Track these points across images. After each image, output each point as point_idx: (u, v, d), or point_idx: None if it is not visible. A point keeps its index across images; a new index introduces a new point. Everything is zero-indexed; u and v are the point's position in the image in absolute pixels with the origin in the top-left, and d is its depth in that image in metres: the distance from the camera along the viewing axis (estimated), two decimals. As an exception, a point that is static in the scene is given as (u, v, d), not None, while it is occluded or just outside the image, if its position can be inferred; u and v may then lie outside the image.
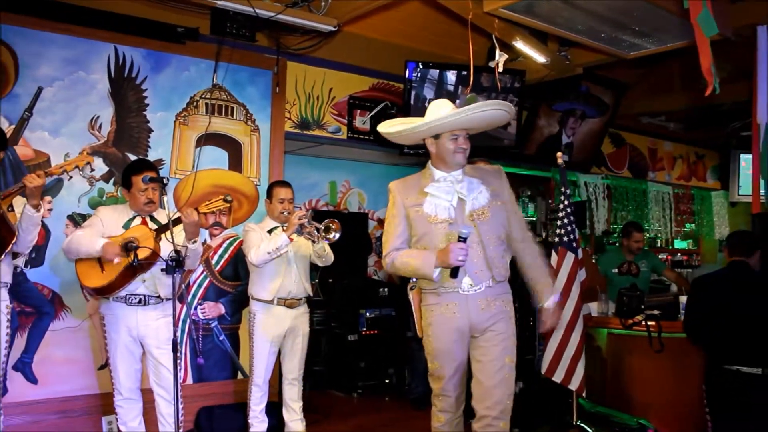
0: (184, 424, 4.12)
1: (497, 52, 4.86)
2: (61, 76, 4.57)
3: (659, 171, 9.47)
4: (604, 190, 8.75)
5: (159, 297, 3.89)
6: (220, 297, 5.14)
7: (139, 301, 3.85)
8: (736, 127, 8.64)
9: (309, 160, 7.18)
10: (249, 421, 4.41)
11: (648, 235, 9.21)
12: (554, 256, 4.73)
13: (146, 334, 3.87)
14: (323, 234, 4.17)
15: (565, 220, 4.75)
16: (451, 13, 5.19)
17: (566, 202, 4.79)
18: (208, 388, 5.02)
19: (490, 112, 3.16)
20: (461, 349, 3.23)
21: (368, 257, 7.55)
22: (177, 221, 3.71)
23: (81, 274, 3.77)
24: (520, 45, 5.58)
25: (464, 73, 5.96)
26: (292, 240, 4.16)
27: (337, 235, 4.17)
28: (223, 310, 5.14)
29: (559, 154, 4.75)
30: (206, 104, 5.16)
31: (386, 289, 6.70)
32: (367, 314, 6.48)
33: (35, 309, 4.42)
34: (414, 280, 3.43)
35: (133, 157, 4.72)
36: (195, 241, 3.82)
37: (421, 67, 5.93)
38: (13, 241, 3.38)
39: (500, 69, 4.93)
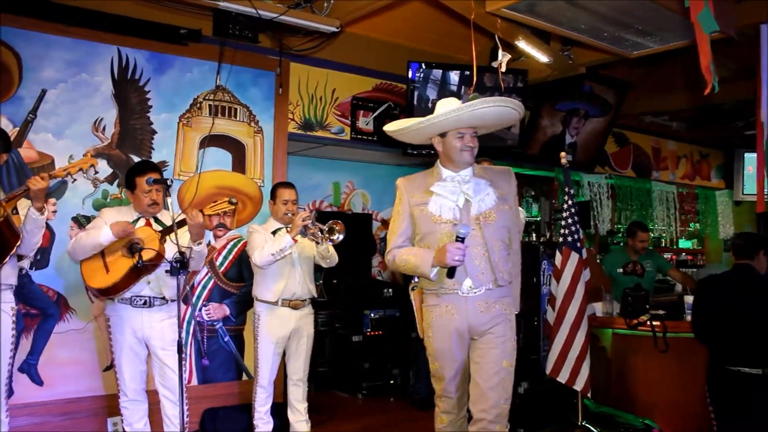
0: (189, 425, 4.11)
1: (500, 52, 4.86)
2: (65, 78, 4.58)
3: (663, 170, 9.45)
4: (608, 189, 8.74)
5: (164, 298, 3.90)
6: (225, 298, 5.14)
7: (144, 303, 3.85)
8: (740, 126, 8.62)
9: (312, 161, 7.18)
10: (254, 422, 4.42)
11: (652, 234, 9.20)
12: (558, 257, 4.72)
13: (151, 336, 3.87)
14: (327, 235, 4.17)
15: (569, 220, 4.74)
16: (454, 13, 5.19)
17: (570, 202, 4.78)
18: (213, 389, 5.03)
19: (494, 108, 3.12)
20: (461, 351, 3.22)
21: (372, 258, 7.54)
22: (181, 223, 3.72)
23: (86, 275, 3.77)
24: (522, 45, 5.57)
25: (467, 73, 5.96)
26: (296, 241, 4.16)
27: (341, 237, 4.17)
28: (227, 312, 5.14)
29: (562, 153, 4.75)
30: (209, 106, 5.16)
31: (390, 290, 6.69)
32: (372, 315, 6.48)
33: (40, 311, 4.43)
34: (416, 280, 3.42)
35: (136, 159, 4.73)
36: (200, 243, 3.82)
37: (423, 67, 5.93)
38: (18, 244, 3.39)
39: (503, 69, 4.93)
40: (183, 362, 3.38)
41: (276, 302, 4.32)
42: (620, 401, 5.03)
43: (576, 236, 4.72)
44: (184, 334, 3.82)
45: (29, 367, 4.37)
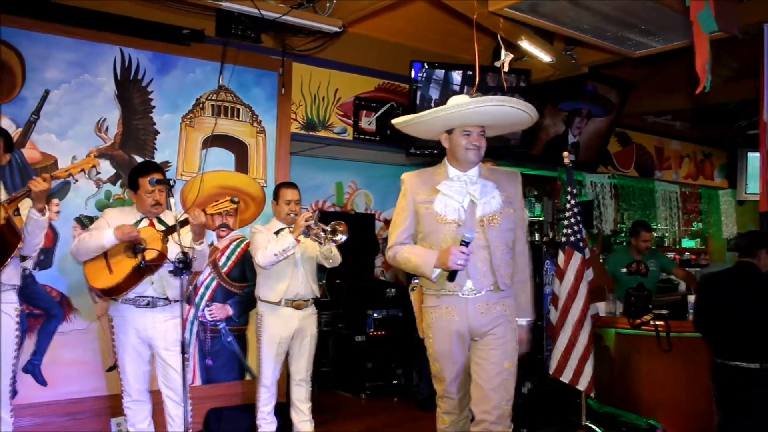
0: (193, 426, 4.12)
1: (503, 51, 4.85)
2: (68, 78, 4.58)
3: (666, 170, 9.44)
4: (611, 189, 8.73)
5: (167, 299, 3.90)
6: (228, 298, 5.14)
7: (148, 303, 3.86)
8: (743, 126, 8.61)
9: (315, 161, 7.18)
10: (257, 422, 4.42)
11: (655, 234, 9.19)
12: (561, 256, 4.71)
13: (154, 336, 3.88)
14: (330, 235, 4.17)
15: (572, 220, 4.73)
16: (457, 13, 5.19)
17: (573, 202, 4.77)
18: (216, 389, 5.03)
19: (500, 107, 3.08)
20: (462, 352, 3.20)
21: (375, 258, 7.54)
22: (184, 223, 3.72)
23: (89, 275, 3.77)
24: (525, 44, 5.57)
25: (470, 72, 5.96)
26: (299, 241, 4.16)
27: (344, 237, 4.17)
28: (230, 312, 5.14)
29: (565, 153, 4.75)
30: (212, 106, 5.17)
31: (393, 290, 6.69)
32: (375, 315, 6.48)
33: (44, 311, 4.44)
34: (415, 280, 3.40)
35: (139, 160, 4.74)
36: (201, 242, 3.83)
37: (426, 67, 5.93)
38: (19, 245, 3.39)
39: (506, 69, 4.91)
40: (186, 362, 3.39)
41: (279, 302, 4.32)
42: (623, 401, 5.02)
43: (579, 236, 4.71)
44: (187, 335, 3.82)
45: (33, 368, 4.38)
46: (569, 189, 4.83)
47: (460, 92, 6.01)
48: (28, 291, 4.31)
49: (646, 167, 9.15)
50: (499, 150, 6.31)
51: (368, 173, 7.77)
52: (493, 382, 3.11)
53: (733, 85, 6.98)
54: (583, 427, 4.78)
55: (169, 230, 3.79)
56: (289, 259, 4.27)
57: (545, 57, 5.80)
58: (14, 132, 4.33)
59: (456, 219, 3.14)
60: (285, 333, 4.35)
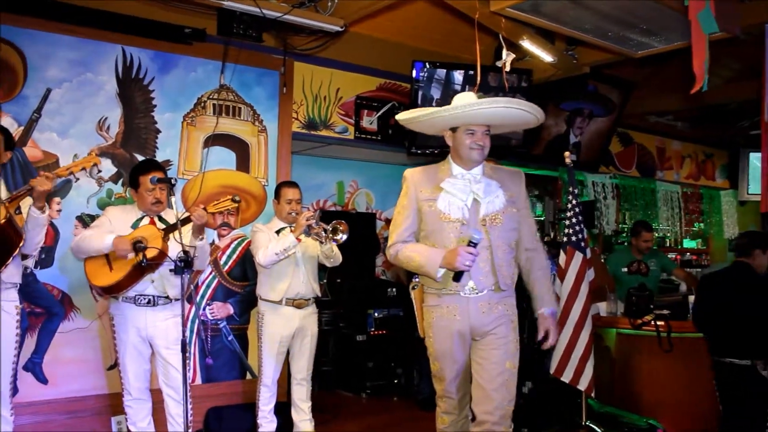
0: (193, 425, 4.12)
1: (504, 51, 4.85)
2: (69, 77, 4.59)
3: (668, 170, 9.43)
4: (613, 189, 8.73)
5: (168, 297, 3.90)
6: (229, 297, 5.15)
7: (148, 302, 3.86)
8: (744, 126, 8.60)
9: (316, 160, 7.18)
10: (258, 421, 4.42)
11: (657, 234, 9.19)
12: (562, 256, 4.71)
13: (155, 335, 3.88)
14: (331, 235, 4.17)
15: (573, 220, 4.73)
16: (458, 13, 5.18)
17: (574, 202, 4.77)
18: (216, 388, 5.03)
19: (506, 109, 3.06)
20: (462, 352, 3.17)
21: (376, 257, 7.54)
22: (185, 221, 3.72)
23: (89, 273, 3.78)
24: (527, 44, 5.56)
25: (471, 72, 5.95)
26: (300, 241, 4.16)
27: (345, 236, 4.17)
28: (231, 311, 5.15)
29: (566, 153, 4.74)
30: (214, 105, 5.17)
31: (394, 290, 6.69)
32: (376, 314, 6.48)
33: (45, 309, 4.44)
34: (416, 279, 3.37)
35: (141, 158, 4.74)
36: (202, 238, 3.84)
37: (428, 66, 5.92)
38: (21, 244, 3.39)
39: (507, 68, 4.92)
40: (187, 361, 3.38)
41: (280, 301, 4.32)
42: (624, 401, 5.02)
43: (580, 236, 4.71)
44: (188, 333, 3.82)
45: (34, 366, 4.38)
46: (571, 189, 4.83)
47: (462, 92, 5.99)
48: (29, 289, 4.32)
49: (648, 167, 9.14)
50: (501, 149, 6.31)
51: (369, 173, 7.77)
52: (494, 382, 3.09)
53: (734, 85, 6.98)
54: (584, 427, 4.78)
55: (170, 228, 3.79)
56: (290, 259, 4.27)
57: (547, 57, 5.80)
58: (16, 130, 4.34)
59: (460, 218, 3.11)
60: (286, 332, 4.35)
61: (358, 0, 4.96)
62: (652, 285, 5.86)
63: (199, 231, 3.80)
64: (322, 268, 4.63)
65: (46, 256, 4.45)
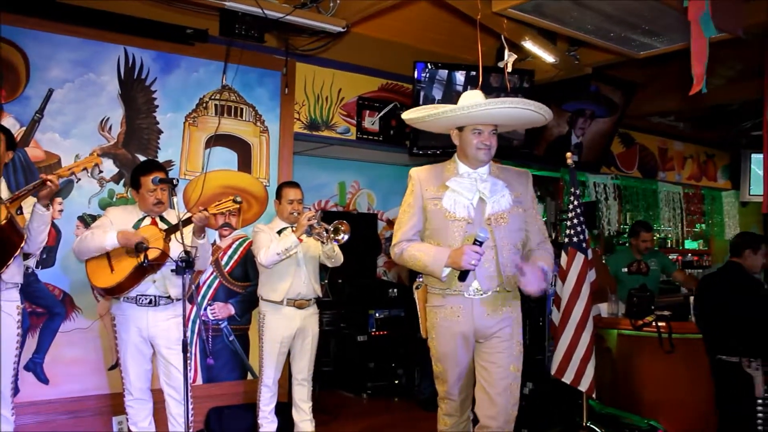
0: (194, 425, 4.13)
1: (506, 52, 4.84)
2: (72, 77, 4.59)
3: (669, 171, 9.42)
4: (614, 190, 8.71)
5: (169, 297, 3.91)
6: (230, 298, 5.15)
7: (150, 302, 3.86)
8: (746, 127, 8.59)
9: (318, 160, 7.19)
10: (258, 421, 4.42)
11: (658, 235, 9.18)
12: (564, 257, 4.71)
13: (156, 335, 3.88)
14: (332, 235, 4.18)
15: (575, 221, 4.72)
16: (460, 14, 5.18)
17: (576, 203, 4.76)
18: (217, 388, 5.04)
19: (512, 110, 3.05)
20: (465, 354, 3.15)
21: (378, 258, 7.55)
22: (187, 222, 3.73)
23: (91, 274, 3.79)
24: (529, 45, 5.56)
25: (473, 73, 5.94)
26: (301, 241, 4.17)
27: (346, 237, 4.17)
28: (232, 311, 5.15)
29: (568, 154, 4.73)
30: (215, 105, 5.17)
31: (396, 290, 6.70)
32: (377, 315, 6.49)
33: (46, 309, 4.45)
34: (420, 279, 3.34)
35: (143, 159, 4.74)
36: (203, 236, 3.85)
37: (429, 67, 5.92)
38: (22, 244, 3.40)
39: (509, 69, 4.91)
40: (188, 361, 3.39)
41: (281, 302, 4.33)
42: (625, 402, 5.01)
43: (581, 237, 4.70)
44: (189, 333, 3.83)
45: (35, 366, 4.39)
46: (572, 190, 4.82)
47: (464, 92, 5.99)
48: (30, 289, 4.32)
49: (649, 168, 9.13)
50: (502, 150, 6.28)
51: (371, 173, 7.78)
52: (498, 386, 3.07)
53: (736, 86, 6.96)
54: (585, 428, 4.77)
55: (172, 229, 3.80)
56: (291, 259, 4.27)
57: (549, 57, 5.79)
58: (18, 131, 4.34)
59: (465, 216, 3.08)
60: (287, 332, 4.35)
61: (360, 0, 4.95)
62: (652, 284, 5.87)
63: (200, 231, 3.81)
64: (323, 268, 4.63)
65: (48, 256, 4.45)
